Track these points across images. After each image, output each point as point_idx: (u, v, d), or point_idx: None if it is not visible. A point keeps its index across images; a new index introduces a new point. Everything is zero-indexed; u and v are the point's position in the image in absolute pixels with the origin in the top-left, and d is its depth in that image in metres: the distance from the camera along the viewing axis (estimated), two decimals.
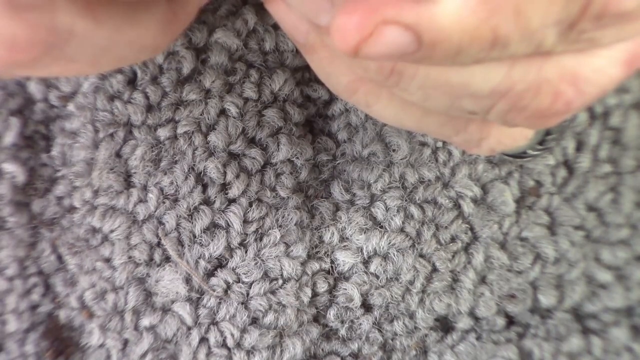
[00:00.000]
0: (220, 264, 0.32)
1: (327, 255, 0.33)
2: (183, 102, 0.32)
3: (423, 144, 0.33)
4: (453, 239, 0.33)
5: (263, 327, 0.32)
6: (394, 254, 0.32)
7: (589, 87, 0.19)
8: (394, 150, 0.32)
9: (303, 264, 0.33)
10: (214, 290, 0.32)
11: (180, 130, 0.32)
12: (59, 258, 0.34)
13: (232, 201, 0.32)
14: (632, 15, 0.17)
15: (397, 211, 0.33)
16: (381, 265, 0.32)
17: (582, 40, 0.18)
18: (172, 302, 0.32)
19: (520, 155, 0.30)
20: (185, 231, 0.32)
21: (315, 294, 0.33)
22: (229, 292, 0.32)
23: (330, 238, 0.33)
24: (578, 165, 0.33)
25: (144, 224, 0.32)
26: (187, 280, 0.32)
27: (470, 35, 0.15)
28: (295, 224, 0.32)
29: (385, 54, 0.16)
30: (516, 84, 0.18)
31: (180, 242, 0.32)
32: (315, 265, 0.33)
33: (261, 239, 0.32)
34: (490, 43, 0.15)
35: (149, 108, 0.32)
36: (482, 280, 0.33)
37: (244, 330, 0.32)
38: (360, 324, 0.33)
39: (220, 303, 0.32)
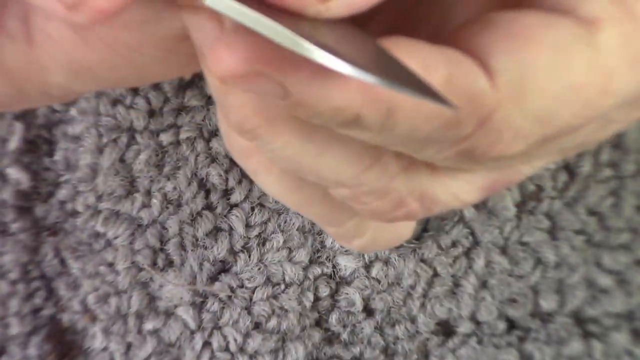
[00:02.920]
0: (224, 268, 0.32)
1: (329, 259, 0.33)
2: (185, 107, 0.32)
3: None
4: (454, 244, 0.33)
5: (266, 331, 0.32)
6: (395, 258, 0.33)
7: (436, 207, 0.19)
8: None
9: (305, 268, 0.33)
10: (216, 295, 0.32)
11: (182, 136, 0.32)
12: (62, 262, 0.34)
13: (234, 206, 0.32)
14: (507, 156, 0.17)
15: None
16: (382, 269, 0.33)
17: (445, 168, 0.18)
18: (176, 306, 0.32)
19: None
20: (187, 236, 0.32)
21: (317, 299, 0.33)
22: (232, 297, 0.32)
23: (332, 243, 0.33)
24: (579, 169, 0.33)
25: (147, 229, 0.32)
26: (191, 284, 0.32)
27: (335, 109, 0.15)
28: (297, 229, 0.33)
29: (252, 92, 0.16)
30: (363, 185, 0.18)
31: (183, 247, 0.32)
32: (317, 270, 0.33)
33: (264, 244, 0.32)
34: (351, 121, 0.15)
35: (151, 113, 0.32)
36: (483, 284, 0.33)
37: (246, 335, 0.32)
38: (362, 328, 0.33)
39: (223, 308, 0.32)
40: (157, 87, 0.32)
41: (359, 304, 0.33)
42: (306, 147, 0.17)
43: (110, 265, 0.33)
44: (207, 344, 0.32)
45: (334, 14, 0.15)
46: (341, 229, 0.23)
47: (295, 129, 0.17)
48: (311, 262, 0.33)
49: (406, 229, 0.24)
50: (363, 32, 0.15)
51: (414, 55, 0.15)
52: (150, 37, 0.19)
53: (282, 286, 0.32)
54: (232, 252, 0.32)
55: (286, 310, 0.32)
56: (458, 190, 0.19)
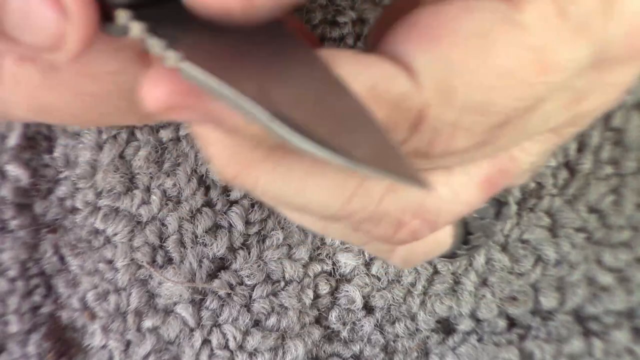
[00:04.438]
0: (223, 265, 0.32)
1: (329, 257, 0.33)
2: None
3: None
4: None
5: (265, 329, 0.32)
6: None
7: (439, 217, 0.19)
8: None
9: (305, 266, 0.33)
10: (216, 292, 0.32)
11: (182, 133, 0.32)
12: (61, 259, 0.34)
13: (234, 203, 0.32)
14: (464, 150, 0.17)
15: None
16: (383, 267, 0.32)
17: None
18: (175, 303, 0.32)
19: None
20: (187, 232, 0.32)
21: (317, 296, 0.33)
22: (231, 294, 0.32)
23: (331, 240, 0.33)
24: (579, 166, 0.33)
25: (146, 225, 0.32)
26: (191, 281, 0.32)
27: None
28: (297, 226, 0.33)
29: (190, 121, 0.16)
30: (355, 213, 0.18)
31: (182, 244, 0.32)
32: (317, 267, 0.33)
33: (264, 241, 0.32)
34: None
35: None
36: (484, 282, 0.33)
37: (246, 333, 0.32)
38: (362, 325, 0.33)
39: (223, 305, 0.32)
40: None
41: (359, 302, 0.33)
42: (287, 186, 0.17)
43: (110, 262, 0.33)
44: (206, 341, 0.32)
45: (259, 10, 0.15)
46: (370, 247, 0.22)
47: (270, 170, 0.17)
48: (311, 259, 0.33)
49: (444, 237, 0.23)
50: (305, 51, 0.15)
51: (339, 66, 0.15)
52: (116, 88, 0.19)
53: (282, 283, 0.32)
54: (232, 249, 0.32)
55: (286, 308, 0.32)
56: (451, 193, 0.19)
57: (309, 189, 0.17)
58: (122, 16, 0.16)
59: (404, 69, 0.16)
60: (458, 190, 0.19)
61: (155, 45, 0.15)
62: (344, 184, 0.17)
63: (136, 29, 0.16)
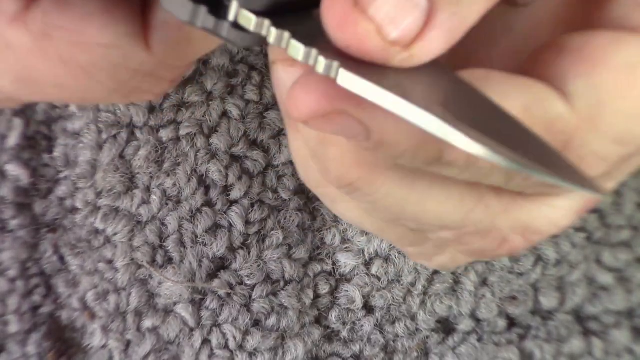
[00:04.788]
0: (223, 265, 0.32)
1: (329, 257, 0.33)
2: (185, 103, 0.32)
3: None
4: None
5: (265, 329, 0.32)
6: (395, 256, 0.32)
7: (536, 237, 0.19)
8: None
9: (305, 265, 0.33)
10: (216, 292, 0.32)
11: (182, 132, 0.32)
12: (61, 259, 0.34)
13: (233, 203, 0.32)
14: None
15: None
16: (383, 267, 0.32)
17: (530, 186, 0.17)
18: (175, 303, 0.32)
19: None
20: (187, 232, 0.32)
21: (317, 296, 0.33)
22: (231, 294, 0.32)
23: (331, 240, 0.33)
24: None
25: (146, 225, 0.32)
26: (191, 281, 0.32)
27: (417, 146, 0.15)
28: (297, 226, 0.33)
29: (334, 133, 0.16)
30: (468, 227, 0.18)
31: (182, 244, 0.32)
32: (317, 267, 0.33)
33: (264, 241, 0.32)
34: (435, 158, 0.16)
35: (151, 109, 0.32)
36: (484, 282, 0.33)
37: (246, 333, 0.32)
38: (362, 325, 0.33)
39: (222, 305, 0.32)
40: None
41: (359, 302, 0.33)
42: (408, 196, 0.18)
43: (110, 262, 0.33)
44: (206, 341, 0.32)
45: (418, 61, 0.15)
46: (421, 249, 0.23)
47: (396, 178, 0.17)
48: (311, 259, 0.33)
49: None
50: (443, 69, 0.16)
51: (491, 86, 0.15)
52: (106, 63, 0.19)
53: (282, 283, 0.32)
54: (232, 249, 0.32)
55: (286, 308, 0.32)
56: (555, 216, 0.19)
57: (430, 202, 0.18)
58: (259, 24, 0.16)
59: (559, 92, 0.16)
60: (560, 213, 0.19)
61: (303, 52, 0.15)
62: (465, 199, 0.18)
63: (275, 36, 0.16)
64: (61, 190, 0.33)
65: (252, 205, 0.32)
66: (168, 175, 0.32)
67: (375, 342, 0.33)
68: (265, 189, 0.32)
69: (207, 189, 0.32)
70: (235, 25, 0.16)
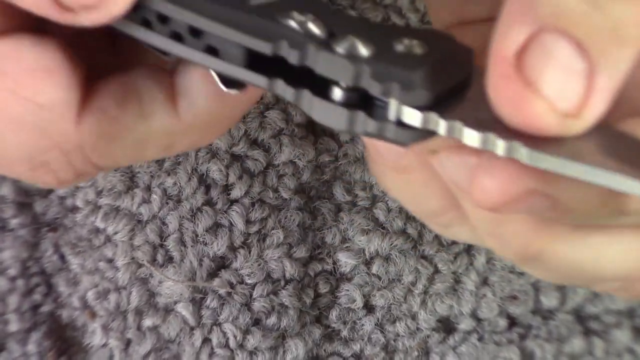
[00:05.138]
0: (223, 264, 0.32)
1: (329, 256, 0.33)
2: None
3: None
4: (455, 241, 0.33)
5: (265, 328, 0.32)
6: (395, 255, 0.32)
7: None
8: None
9: (305, 265, 0.33)
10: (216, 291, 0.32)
11: None
12: (62, 258, 0.34)
13: (234, 202, 0.32)
14: None
15: (399, 212, 0.33)
16: (383, 266, 0.32)
17: None
18: (175, 302, 0.32)
19: None
20: (187, 231, 0.32)
21: (317, 295, 0.33)
22: (232, 293, 0.32)
23: (332, 239, 0.33)
24: None
25: (147, 224, 0.32)
26: (191, 280, 0.32)
27: (600, 204, 0.16)
28: (298, 225, 0.33)
29: (521, 212, 0.16)
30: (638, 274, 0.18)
31: (182, 243, 0.32)
32: (317, 267, 0.33)
33: (264, 240, 0.32)
34: (617, 210, 0.16)
35: None
36: (484, 281, 0.33)
37: (246, 332, 0.32)
38: (363, 325, 0.33)
39: (223, 304, 0.32)
40: None
41: (360, 301, 0.33)
42: (584, 255, 0.18)
43: (110, 261, 0.33)
44: (206, 340, 0.32)
45: (588, 125, 0.15)
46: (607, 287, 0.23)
47: (579, 240, 0.17)
48: (311, 258, 0.33)
49: None
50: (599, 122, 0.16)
51: None
52: (34, 121, 0.19)
53: (282, 282, 0.32)
54: (232, 248, 0.32)
55: (286, 307, 0.32)
56: None
57: (605, 257, 0.18)
58: (427, 119, 0.16)
59: None
60: None
61: (479, 138, 0.15)
62: (633, 246, 0.18)
63: (446, 127, 0.15)
64: (62, 189, 0.33)
65: (253, 204, 0.32)
66: (168, 174, 0.32)
67: (376, 341, 0.33)
68: (265, 188, 0.32)
69: (208, 188, 0.32)
70: (399, 123, 0.16)
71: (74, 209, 0.33)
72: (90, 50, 0.20)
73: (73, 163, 0.20)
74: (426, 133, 0.16)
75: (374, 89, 0.16)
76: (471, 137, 0.15)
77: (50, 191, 0.33)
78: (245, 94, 0.19)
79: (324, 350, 0.33)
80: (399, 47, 0.17)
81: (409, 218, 0.33)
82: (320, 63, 0.16)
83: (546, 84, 0.15)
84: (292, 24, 0.17)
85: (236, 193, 0.32)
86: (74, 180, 0.20)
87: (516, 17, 0.15)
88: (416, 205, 0.21)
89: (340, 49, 0.16)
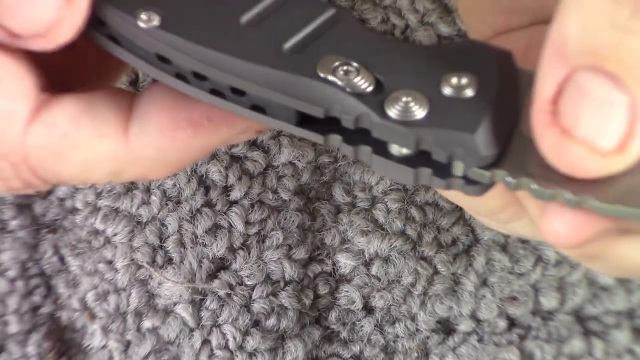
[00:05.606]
0: (223, 265, 0.32)
1: (329, 257, 0.33)
2: None
3: None
4: (454, 242, 0.33)
5: (265, 329, 0.32)
6: (395, 256, 0.32)
7: None
8: None
9: (305, 266, 0.33)
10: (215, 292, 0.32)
11: None
12: (61, 259, 0.34)
13: (233, 203, 0.32)
14: None
15: (399, 213, 0.33)
16: (382, 267, 0.32)
17: None
18: (175, 304, 0.32)
19: None
20: (187, 233, 0.32)
21: (316, 296, 0.33)
22: (231, 294, 0.32)
23: (331, 240, 0.33)
24: None
25: (146, 226, 0.32)
26: (190, 282, 0.32)
27: None
28: (297, 226, 0.33)
29: (593, 246, 0.17)
30: None
31: (182, 244, 0.32)
32: (316, 268, 0.33)
33: (263, 241, 0.32)
34: None
35: None
36: (484, 282, 0.33)
37: (246, 333, 0.32)
38: (362, 326, 0.33)
39: (222, 305, 0.32)
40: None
41: (359, 302, 0.33)
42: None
43: (110, 262, 0.33)
44: (206, 341, 0.32)
45: (634, 159, 0.15)
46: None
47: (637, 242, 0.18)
48: (311, 259, 0.33)
49: None
50: None
51: None
52: None
53: (282, 284, 0.32)
54: (232, 249, 0.32)
55: (285, 308, 0.32)
56: None
57: None
58: (494, 176, 0.16)
59: None
60: None
61: (548, 194, 0.15)
62: None
63: (514, 184, 0.16)
64: (61, 190, 0.33)
65: (252, 205, 0.32)
66: (168, 176, 0.32)
67: (375, 342, 0.33)
68: (265, 190, 0.32)
69: (207, 189, 0.32)
70: (466, 178, 0.16)
71: (74, 211, 0.33)
72: (55, 65, 0.20)
73: (19, 174, 0.19)
74: (493, 184, 0.17)
75: (438, 155, 0.16)
76: (540, 193, 0.15)
77: (49, 193, 0.33)
78: (198, 140, 0.19)
79: (324, 352, 0.33)
80: (448, 91, 0.16)
81: (409, 219, 0.33)
82: (378, 130, 0.16)
83: (582, 125, 0.14)
84: (336, 81, 0.17)
85: (235, 194, 0.32)
86: (25, 189, 0.20)
87: (551, 60, 0.15)
88: (476, 206, 0.21)
89: (394, 113, 0.16)
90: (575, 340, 0.33)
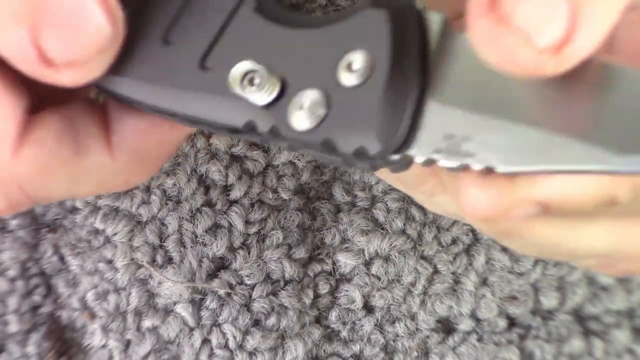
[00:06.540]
0: (223, 264, 0.32)
1: (329, 256, 0.33)
2: None
3: None
4: (454, 241, 0.33)
5: (265, 329, 0.32)
6: (395, 255, 0.32)
7: None
8: None
9: (305, 265, 0.33)
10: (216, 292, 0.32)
11: None
12: (61, 259, 0.34)
13: (233, 202, 0.32)
14: None
15: (399, 213, 0.33)
16: (382, 267, 0.32)
17: None
18: (175, 303, 0.32)
19: None
20: (187, 232, 0.32)
21: (316, 296, 0.33)
22: (231, 294, 0.32)
23: (331, 240, 0.33)
24: None
25: (146, 225, 0.32)
26: (191, 281, 0.32)
27: (593, 198, 0.16)
28: (297, 226, 0.33)
29: (514, 221, 0.17)
30: (620, 253, 0.19)
31: (182, 244, 0.32)
32: (317, 267, 0.33)
33: (263, 241, 0.32)
34: (608, 202, 0.16)
35: None
36: (484, 282, 0.33)
37: (246, 332, 0.32)
38: (362, 325, 0.33)
39: (222, 305, 0.32)
40: None
41: (359, 301, 0.33)
42: (565, 237, 0.18)
43: (109, 262, 0.33)
44: (206, 341, 0.32)
45: (569, 64, 0.15)
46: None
47: (556, 224, 0.18)
48: (311, 259, 0.33)
49: None
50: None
51: None
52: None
53: (282, 283, 0.32)
54: (232, 248, 0.32)
55: (286, 308, 0.32)
56: None
57: (587, 238, 0.18)
58: (405, 157, 0.16)
59: None
60: None
61: (454, 165, 0.16)
62: (622, 229, 0.18)
63: (422, 160, 0.16)
64: None
65: (252, 205, 0.32)
66: (168, 175, 0.32)
67: (375, 342, 0.33)
68: (265, 189, 0.32)
69: (207, 188, 0.32)
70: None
71: (74, 210, 0.33)
72: (34, 81, 0.19)
73: (7, 194, 0.19)
74: (408, 162, 0.17)
75: (347, 151, 0.16)
76: (448, 163, 0.16)
77: None
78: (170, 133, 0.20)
79: (324, 351, 0.33)
80: (344, 79, 0.16)
81: (409, 218, 0.33)
82: (288, 141, 0.17)
83: (522, 16, 0.14)
84: (246, 97, 0.17)
85: (235, 194, 0.32)
86: (8, 211, 0.20)
87: None
88: (401, 179, 0.21)
89: (297, 123, 0.16)
90: (575, 340, 0.33)
